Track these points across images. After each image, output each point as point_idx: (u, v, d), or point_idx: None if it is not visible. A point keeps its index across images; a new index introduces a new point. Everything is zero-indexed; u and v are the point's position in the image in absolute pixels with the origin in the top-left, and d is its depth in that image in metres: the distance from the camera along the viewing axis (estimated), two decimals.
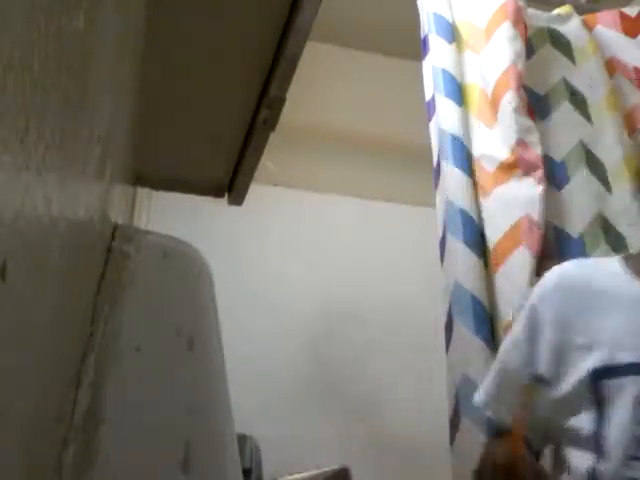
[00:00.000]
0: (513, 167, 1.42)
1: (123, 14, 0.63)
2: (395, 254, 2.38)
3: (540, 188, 1.38)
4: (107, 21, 0.49)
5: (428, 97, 1.55)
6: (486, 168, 1.45)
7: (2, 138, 0.22)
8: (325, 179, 2.50)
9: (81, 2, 0.36)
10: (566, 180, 1.46)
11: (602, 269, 0.84)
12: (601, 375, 0.71)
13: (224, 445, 0.64)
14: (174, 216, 1.97)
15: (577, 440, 0.72)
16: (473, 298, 1.26)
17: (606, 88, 1.55)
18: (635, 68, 1.63)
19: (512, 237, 1.33)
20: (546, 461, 0.85)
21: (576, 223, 1.41)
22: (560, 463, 0.76)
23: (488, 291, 1.29)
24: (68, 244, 0.41)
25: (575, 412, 0.73)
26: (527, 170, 1.41)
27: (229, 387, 0.68)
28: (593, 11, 1.79)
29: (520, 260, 1.30)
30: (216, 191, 1.45)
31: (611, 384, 0.70)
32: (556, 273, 0.85)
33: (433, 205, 1.48)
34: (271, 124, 1.14)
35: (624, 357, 0.70)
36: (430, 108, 1.54)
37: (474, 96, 1.54)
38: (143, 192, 1.85)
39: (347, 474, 1.70)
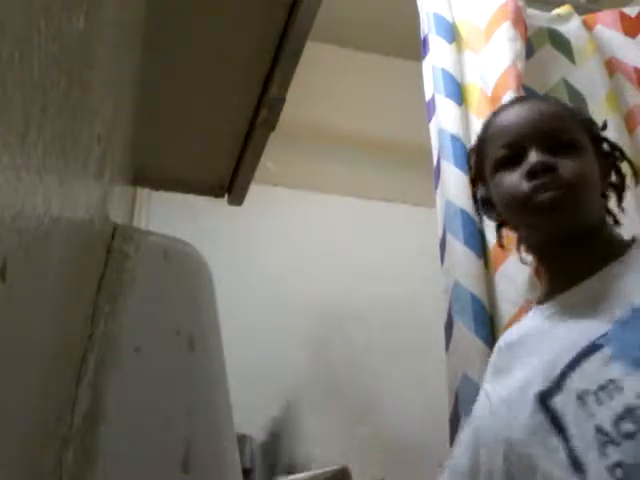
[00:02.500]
0: None
1: (123, 14, 0.63)
2: (395, 254, 2.38)
3: None
4: (107, 21, 0.49)
5: (428, 97, 1.55)
6: None
7: (2, 138, 0.22)
8: (325, 179, 2.50)
9: (81, 2, 0.36)
10: None
11: (522, 323, 0.90)
12: (545, 397, 0.73)
13: (224, 445, 0.64)
14: (174, 216, 1.97)
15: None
16: (473, 298, 1.26)
17: (606, 88, 1.55)
18: (635, 68, 1.62)
19: (512, 237, 1.33)
20: None
21: None
22: None
23: (488, 291, 1.29)
24: (68, 244, 0.41)
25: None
26: None
27: (229, 387, 0.68)
28: (593, 11, 1.79)
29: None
30: (216, 191, 1.45)
31: (557, 400, 0.71)
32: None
33: (433, 205, 1.48)
34: (271, 124, 1.14)
35: (554, 374, 0.73)
36: (430, 108, 1.54)
37: (474, 96, 1.54)
38: (143, 192, 1.85)
39: (347, 474, 1.69)
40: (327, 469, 1.68)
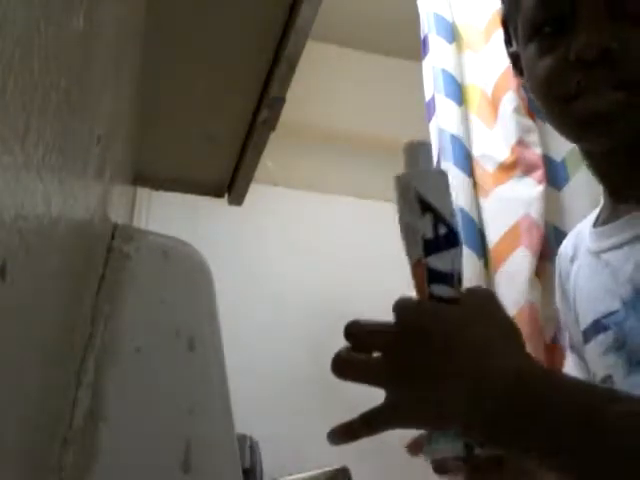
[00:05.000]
0: (513, 167, 1.42)
1: (123, 14, 0.63)
2: (395, 254, 2.37)
3: (540, 188, 1.38)
4: (107, 21, 0.49)
5: (428, 97, 1.55)
6: (486, 168, 1.45)
7: (2, 138, 0.22)
8: (325, 179, 2.50)
9: (81, 2, 0.36)
10: (566, 180, 1.46)
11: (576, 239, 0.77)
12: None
13: (224, 445, 0.64)
14: (174, 216, 1.97)
15: None
16: None
17: None
18: None
19: (512, 237, 1.34)
20: None
21: (576, 223, 1.41)
22: None
23: None
24: (68, 244, 0.41)
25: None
26: (527, 170, 1.41)
27: (229, 387, 0.68)
28: None
29: (520, 260, 1.30)
30: (216, 191, 1.45)
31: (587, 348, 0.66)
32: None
33: None
34: (271, 124, 1.14)
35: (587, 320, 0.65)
36: (430, 108, 1.54)
37: (474, 96, 1.54)
38: (143, 192, 1.85)
39: (347, 474, 1.69)
40: (327, 469, 1.68)
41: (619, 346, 0.59)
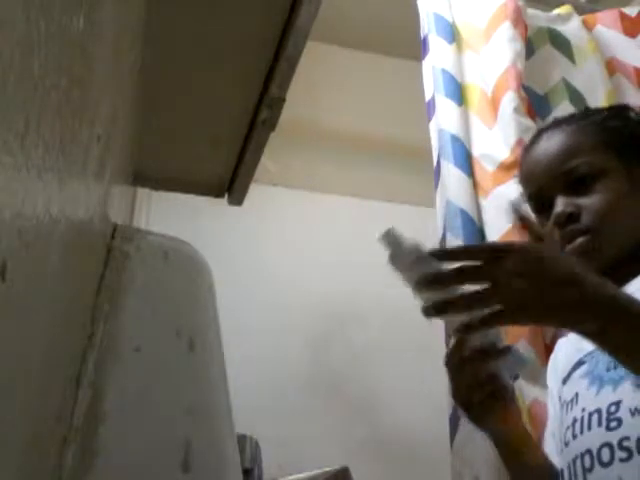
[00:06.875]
0: (513, 167, 1.42)
1: (123, 14, 0.63)
2: None
3: None
4: (107, 21, 0.49)
5: (428, 97, 1.55)
6: (486, 168, 1.45)
7: (2, 138, 0.22)
8: (325, 179, 2.50)
9: (81, 2, 0.36)
10: None
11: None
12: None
13: (224, 445, 0.64)
14: (174, 216, 1.97)
15: None
16: None
17: (606, 88, 1.55)
18: (635, 68, 1.62)
19: (512, 237, 1.33)
20: None
21: None
22: None
23: None
24: (68, 244, 0.41)
25: None
26: None
27: (229, 387, 0.68)
28: (593, 11, 1.79)
29: None
30: (216, 191, 1.45)
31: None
32: None
33: (433, 205, 1.47)
34: (271, 124, 1.14)
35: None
36: (430, 108, 1.54)
37: (474, 96, 1.54)
38: (143, 192, 1.85)
39: (347, 474, 1.69)
40: (327, 469, 1.68)
41: (588, 373, 0.80)
